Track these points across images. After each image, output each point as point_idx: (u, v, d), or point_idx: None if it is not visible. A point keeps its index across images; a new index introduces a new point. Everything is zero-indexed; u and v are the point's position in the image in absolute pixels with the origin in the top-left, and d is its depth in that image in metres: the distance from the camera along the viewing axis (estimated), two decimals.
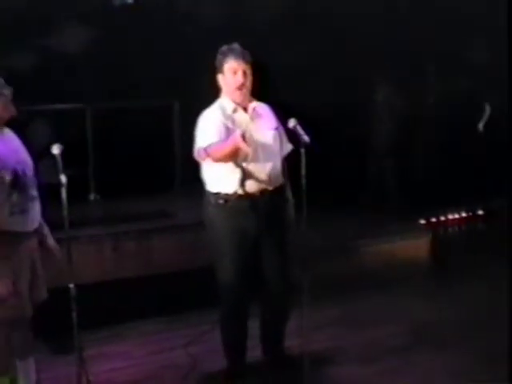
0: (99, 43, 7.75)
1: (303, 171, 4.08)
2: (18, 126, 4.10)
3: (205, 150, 4.26)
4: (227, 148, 4.13)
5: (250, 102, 4.49)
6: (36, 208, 4.05)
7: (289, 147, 4.57)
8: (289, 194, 4.58)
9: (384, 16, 8.74)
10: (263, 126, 4.47)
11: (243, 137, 3.99)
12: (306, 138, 4.09)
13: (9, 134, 4.07)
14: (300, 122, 4.21)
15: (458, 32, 8.79)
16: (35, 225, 4.06)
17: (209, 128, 4.34)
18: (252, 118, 4.46)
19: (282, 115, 4.55)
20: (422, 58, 8.99)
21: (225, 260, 4.43)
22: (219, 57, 4.45)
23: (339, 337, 5.31)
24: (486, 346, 5.01)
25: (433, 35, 8.58)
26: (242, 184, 4.34)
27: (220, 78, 4.47)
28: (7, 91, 3.96)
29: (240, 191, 4.35)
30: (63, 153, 3.92)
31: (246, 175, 4.34)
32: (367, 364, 4.84)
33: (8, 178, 3.87)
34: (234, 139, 4.03)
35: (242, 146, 3.99)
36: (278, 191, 4.48)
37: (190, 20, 8.12)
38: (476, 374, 4.66)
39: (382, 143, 8.53)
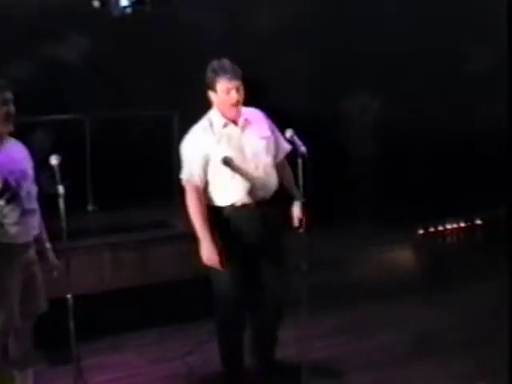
0: (98, 53, 7.77)
1: (300, 182, 4.10)
2: (16, 136, 4.11)
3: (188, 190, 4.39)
4: (198, 229, 4.35)
5: (241, 114, 4.46)
6: (31, 220, 4.00)
7: (287, 148, 4.55)
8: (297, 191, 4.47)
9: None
10: (254, 135, 4.47)
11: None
12: (303, 149, 4.12)
13: (13, 145, 4.04)
14: (297, 132, 4.25)
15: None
16: (29, 237, 4.01)
17: (192, 159, 4.39)
18: (243, 130, 4.46)
19: (279, 124, 4.57)
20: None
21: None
22: (210, 74, 4.39)
23: (338, 346, 5.31)
24: (486, 353, 5.03)
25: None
26: (237, 196, 4.37)
27: (211, 94, 4.44)
28: (6, 108, 3.91)
29: (237, 203, 4.37)
30: (61, 163, 3.94)
31: (240, 187, 4.36)
32: (367, 373, 4.84)
33: None
34: (209, 257, 4.34)
35: (209, 263, 4.34)
36: (275, 200, 4.50)
37: (190, 31, 8.13)
38: (477, 381, 4.67)
39: (375, 153, 8.57)
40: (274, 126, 4.52)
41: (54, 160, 3.93)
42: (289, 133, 4.25)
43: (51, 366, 4.93)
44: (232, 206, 4.37)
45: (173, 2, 7.62)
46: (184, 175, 4.43)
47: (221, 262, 4.32)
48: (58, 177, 3.89)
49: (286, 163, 4.60)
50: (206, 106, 4.65)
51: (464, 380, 4.71)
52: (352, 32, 8.54)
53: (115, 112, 7.75)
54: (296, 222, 4.46)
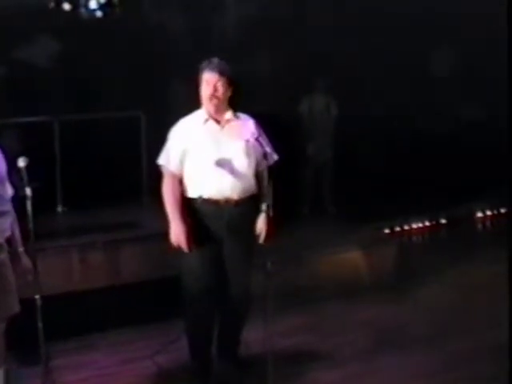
0: (67, 56, 7.78)
1: (265, 182, 4.17)
2: None
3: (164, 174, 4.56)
4: (168, 211, 4.51)
5: (225, 113, 4.58)
6: (1, 223, 3.89)
7: (273, 158, 4.59)
8: (264, 204, 4.52)
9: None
10: (234, 135, 4.56)
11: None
12: (267, 150, 4.19)
13: None
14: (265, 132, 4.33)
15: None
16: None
17: (171, 149, 4.58)
18: (223, 128, 4.57)
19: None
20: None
21: (190, 259, 4.54)
22: (199, 71, 4.58)
23: (305, 343, 5.38)
24: (449, 350, 5.13)
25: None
26: (207, 190, 4.47)
27: (201, 91, 4.60)
28: None
29: (205, 196, 4.48)
30: (29, 166, 3.95)
31: (210, 182, 4.47)
32: (333, 369, 4.91)
33: None
34: (176, 237, 4.47)
35: (176, 243, 4.48)
36: (247, 201, 4.56)
37: (158, 33, 8.19)
38: (440, 376, 4.77)
39: (342, 152, 8.66)
40: (264, 136, 4.51)
41: (21, 162, 3.94)
42: (255, 134, 4.34)
43: (20, 367, 4.92)
44: (201, 199, 4.49)
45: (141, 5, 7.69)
46: (161, 161, 4.63)
47: (187, 244, 4.47)
48: (25, 179, 3.91)
49: (266, 176, 4.43)
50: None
51: (427, 377, 4.79)
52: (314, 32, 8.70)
53: (83, 114, 7.78)
54: (257, 232, 4.60)
